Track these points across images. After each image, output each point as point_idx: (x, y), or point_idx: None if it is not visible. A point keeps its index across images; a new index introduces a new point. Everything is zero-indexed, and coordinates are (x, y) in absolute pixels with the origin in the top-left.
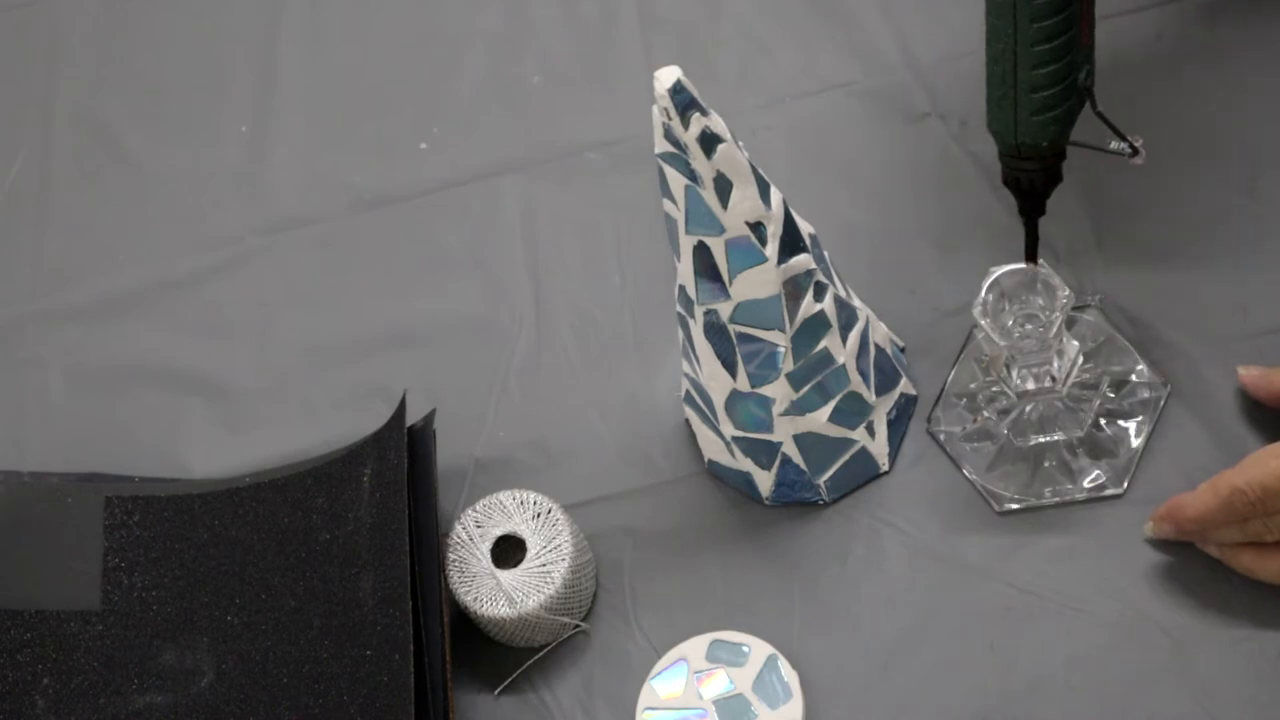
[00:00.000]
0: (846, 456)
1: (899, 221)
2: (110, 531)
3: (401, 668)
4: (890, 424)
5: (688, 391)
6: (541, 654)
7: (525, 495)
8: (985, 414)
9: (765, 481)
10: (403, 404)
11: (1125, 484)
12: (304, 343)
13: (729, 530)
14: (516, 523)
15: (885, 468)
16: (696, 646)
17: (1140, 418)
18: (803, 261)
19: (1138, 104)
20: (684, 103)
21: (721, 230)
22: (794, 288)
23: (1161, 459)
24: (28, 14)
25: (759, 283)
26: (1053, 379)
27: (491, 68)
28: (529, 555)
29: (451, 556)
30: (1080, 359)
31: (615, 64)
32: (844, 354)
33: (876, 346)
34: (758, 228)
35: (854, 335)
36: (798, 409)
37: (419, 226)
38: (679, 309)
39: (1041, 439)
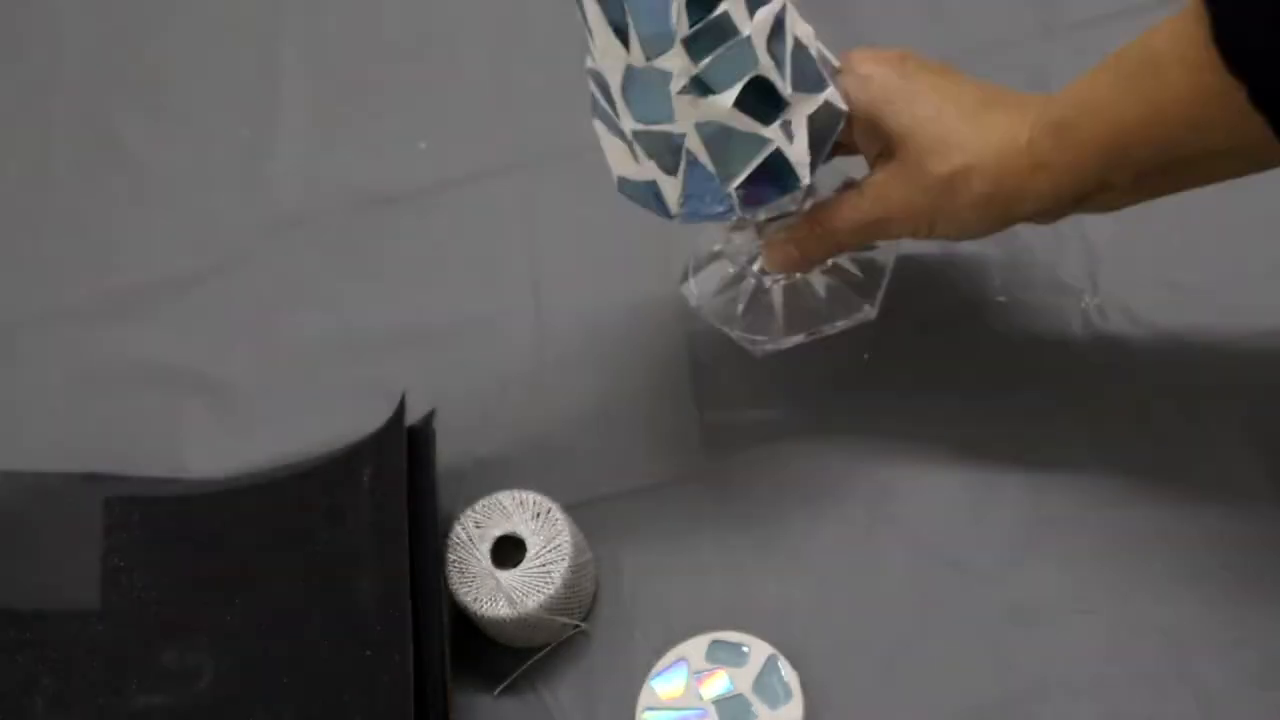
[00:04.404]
0: (760, 158)
1: None
2: (110, 531)
3: (401, 668)
4: (812, 131)
5: (593, 97)
6: (541, 654)
7: (525, 495)
8: (733, 268)
9: (673, 191)
10: (402, 404)
11: (876, 306)
12: (304, 343)
13: (729, 530)
14: (516, 523)
15: (806, 179)
16: (696, 646)
17: (884, 243)
18: None
19: None
20: None
21: None
22: None
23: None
24: (28, 14)
25: None
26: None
27: (491, 68)
28: (529, 555)
29: (451, 556)
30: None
31: None
32: (750, 26)
33: (797, 40)
34: None
35: (766, 11)
36: (698, 87)
37: (419, 226)
38: None
39: (788, 279)
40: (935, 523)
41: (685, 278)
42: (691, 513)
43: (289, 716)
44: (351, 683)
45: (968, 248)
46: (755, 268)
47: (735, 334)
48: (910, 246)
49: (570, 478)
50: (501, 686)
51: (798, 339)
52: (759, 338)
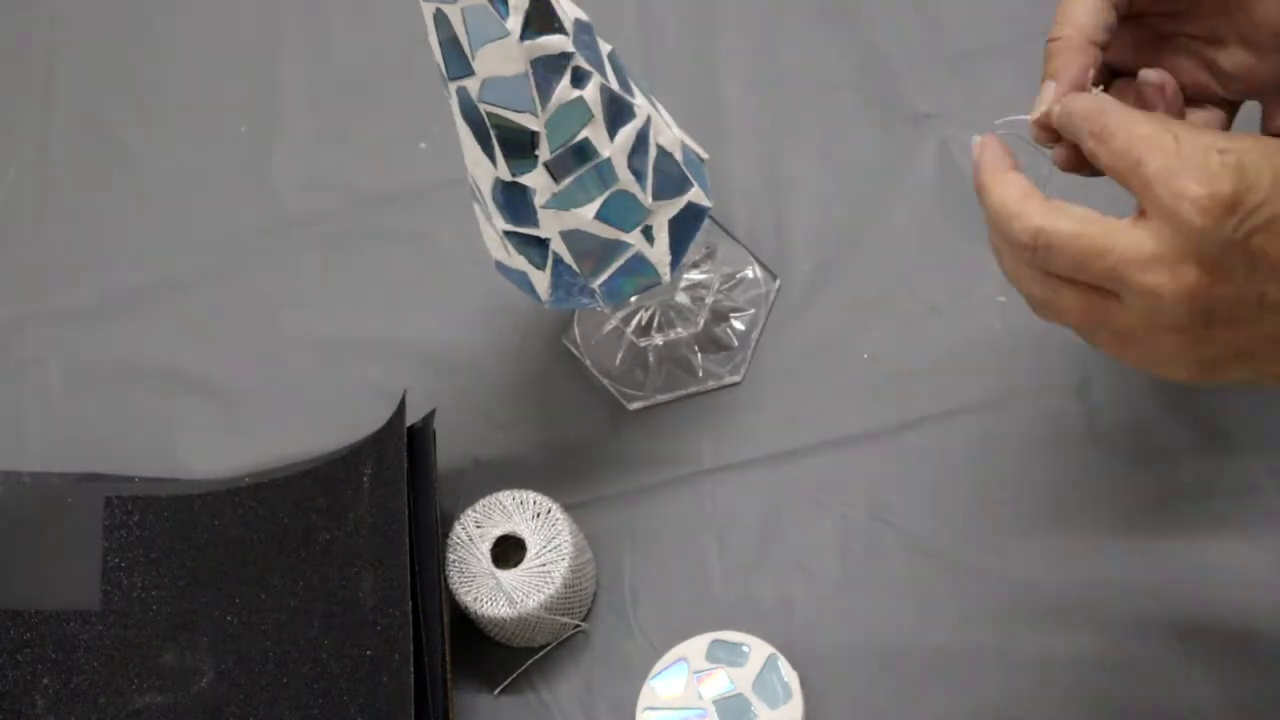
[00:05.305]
0: (621, 260)
1: (897, 221)
2: (110, 531)
3: (401, 668)
4: (673, 232)
5: (471, 187)
6: (541, 654)
7: (525, 495)
8: (613, 321)
9: (541, 283)
10: (403, 404)
11: (742, 373)
12: (304, 343)
13: (728, 529)
14: (516, 523)
15: (666, 277)
16: (696, 646)
17: (753, 311)
18: (556, 43)
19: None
20: None
21: None
22: (546, 69)
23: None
24: (28, 14)
25: (502, 58)
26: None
27: None
28: (529, 555)
29: (451, 556)
30: (694, 266)
31: None
32: (611, 149)
33: (660, 148)
34: None
35: (627, 131)
36: (561, 202)
37: (419, 226)
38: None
39: (661, 338)
40: (935, 523)
41: (570, 326)
42: (691, 513)
43: (289, 717)
44: (351, 683)
45: (966, 248)
46: (630, 328)
47: (610, 385)
48: (902, 246)
49: (570, 478)
50: (501, 686)
51: (667, 397)
52: (631, 391)
